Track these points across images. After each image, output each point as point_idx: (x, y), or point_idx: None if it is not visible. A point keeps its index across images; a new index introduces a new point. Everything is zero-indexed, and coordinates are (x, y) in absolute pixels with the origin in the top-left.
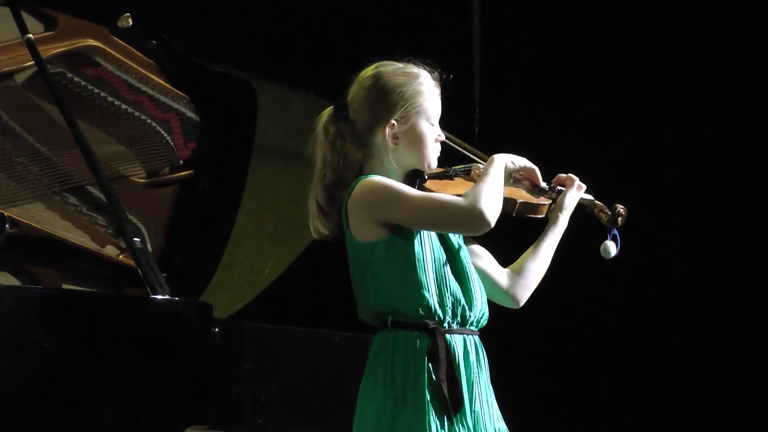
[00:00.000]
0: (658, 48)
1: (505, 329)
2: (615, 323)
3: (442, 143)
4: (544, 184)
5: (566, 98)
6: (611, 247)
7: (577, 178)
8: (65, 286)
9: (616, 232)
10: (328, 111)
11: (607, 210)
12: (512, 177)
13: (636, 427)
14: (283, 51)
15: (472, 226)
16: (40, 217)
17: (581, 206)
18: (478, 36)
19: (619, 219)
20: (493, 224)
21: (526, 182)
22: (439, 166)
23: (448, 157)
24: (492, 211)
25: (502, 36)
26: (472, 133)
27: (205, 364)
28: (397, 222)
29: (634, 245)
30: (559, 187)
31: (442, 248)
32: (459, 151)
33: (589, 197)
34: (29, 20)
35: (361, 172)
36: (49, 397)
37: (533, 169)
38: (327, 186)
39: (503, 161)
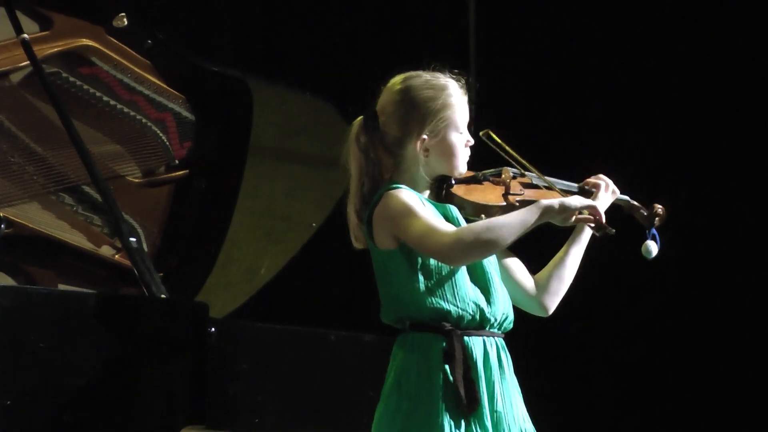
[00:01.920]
0: (657, 44)
1: (529, 332)
2: (639, 325)
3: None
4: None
5: (564, 96)
6: (652, 247)
7: (609, 181)
8: (61, 286)
9: (654, 231)
10: (357, 122)
11: (643, 210)
12: (570, 218)
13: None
14: (278, 50)
15: (444, 259)
16: (36, 217)
17: (617, 207)
18: (474, 34)
19: (657, 219)
20: (464, 263)
21: (588, 222)
22: (469, 169)
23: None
24: (471, 253)
25: (499, 34)
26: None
27: (202, 364)
28: (403, 240)
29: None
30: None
31: None
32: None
33: (624, 197)
34: (24, 20)
35: (392, 180)
36: (45, 397)
37: (595, 207)
38: (365, 195)
39: (543, 206)
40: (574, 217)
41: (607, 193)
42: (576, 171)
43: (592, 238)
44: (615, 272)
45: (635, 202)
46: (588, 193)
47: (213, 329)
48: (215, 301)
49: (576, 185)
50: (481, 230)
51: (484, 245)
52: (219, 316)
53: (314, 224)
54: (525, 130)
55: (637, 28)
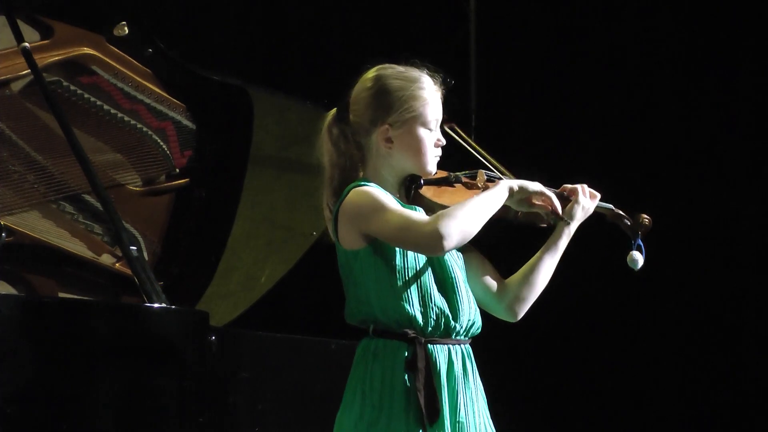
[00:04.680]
0: (653, 50)
1: (499, 336)
2: (613, 328)
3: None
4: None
5: (563, 102)
6: (638, 258)
7: (585, 187)
8: (62, 295)
9: (640, 242)
10: (331, 113)
11: (628, 219)
12: (526, 202)
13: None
14: (279, 58)
15: (428, 249)
16: (37, 226)
17: (601, 215)
18: (474, 42)
19: (642, 230)
20: (449, 249)
21: (542, 209)
22: (443, 169)
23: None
24: (454, 236)
25: (498, 41)
26: (468, 141)
27: (202, 373)
28: (375, 236)
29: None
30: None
31: (426, 258)
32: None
33: (608, 206)
34: (25, 29)
35: (362, 176)
36: (45, 406)
37: (549, 196)
38: (336, 188)
39: (507, 185)
40: (528, 202)
41: (585, 198)
42: (573, 175)
43: (570, 244)
44: (596, 280)
45: (620, 211)
46: (566, 199)
47: (213, 338)
48: (216, 309)
49: (554, 190)
50: (458, 214)
51: (465, 228)
52: (219, 324)
53: (314, 233)
54: (524, 136)
55: (635, 35)
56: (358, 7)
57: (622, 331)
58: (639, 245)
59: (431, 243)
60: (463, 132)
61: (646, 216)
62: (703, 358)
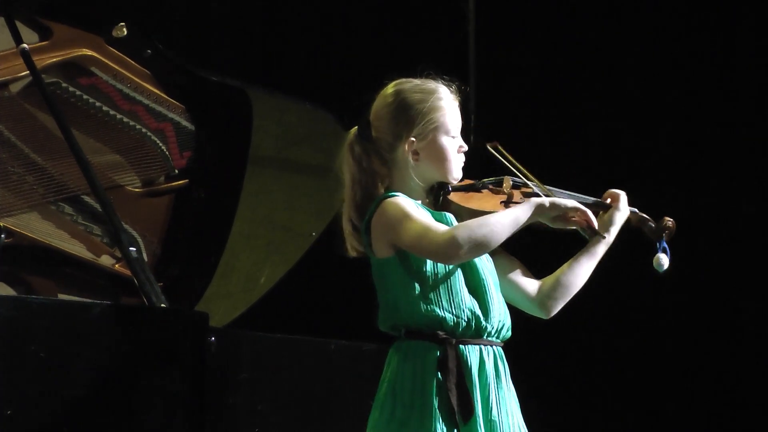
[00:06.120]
0: (656, 49)
1: (527, 342)
2: (642, 336)
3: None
4: (596, 223)
5: (563, 106)
6: (664, 260)
7: (623, 195)
8: (61, 296)
9: (665, 245)
10: (353, 131)
11: (652, 222)
12: (562, 220)
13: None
14: (278, 59)
15: (442, 257)
16: (36, 227)
17: (626, 219)
18: (474, 42)
19: (666, 233)
20: (462, 259)
21: (579, 225)
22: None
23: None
24: (467, 247)
25: (498, 41)
26: (468, 142)
27: (201, 374)
28: (399, 245)
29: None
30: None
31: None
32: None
33: (632, 209)
34: (24, 30)
35: (388, 188)
36: (45, 406)
37: (584, 212)
38: (358, 204)
39: (536, 203)
40: (565, 219)
41: (621, 205)
42: (577, 178)
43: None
44: (617, 284)
45: (644, 215)
46: (606, 206)
47: (213, 338)
48: (215, 310)
49: (590, 198)
50: (475, 227)
51: (479, 241)
52: (219, 325)
53: (314, 233)
54: (525, 137)
55: (637, 34)
56: (358, 8)
57: (657, 335)
58: (664, 248)
59: (444, 251)
60: (502, 148)
61: (669, 219)
62: (745, 362)
